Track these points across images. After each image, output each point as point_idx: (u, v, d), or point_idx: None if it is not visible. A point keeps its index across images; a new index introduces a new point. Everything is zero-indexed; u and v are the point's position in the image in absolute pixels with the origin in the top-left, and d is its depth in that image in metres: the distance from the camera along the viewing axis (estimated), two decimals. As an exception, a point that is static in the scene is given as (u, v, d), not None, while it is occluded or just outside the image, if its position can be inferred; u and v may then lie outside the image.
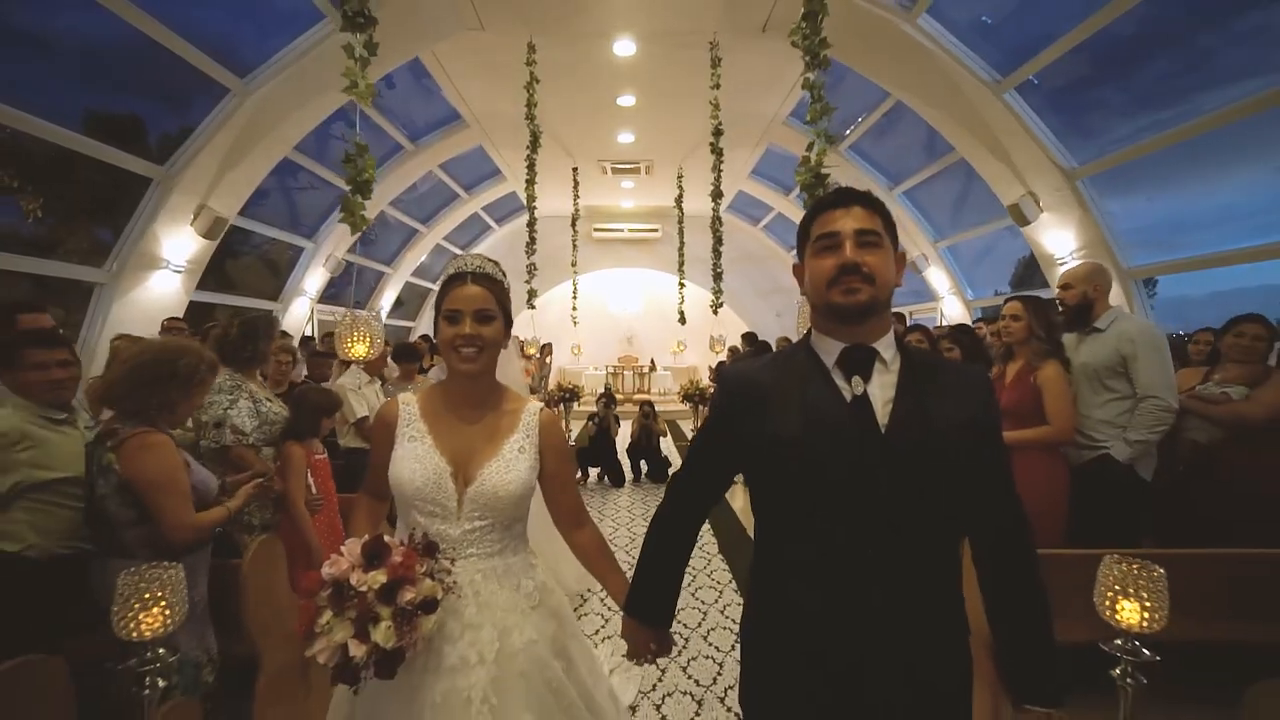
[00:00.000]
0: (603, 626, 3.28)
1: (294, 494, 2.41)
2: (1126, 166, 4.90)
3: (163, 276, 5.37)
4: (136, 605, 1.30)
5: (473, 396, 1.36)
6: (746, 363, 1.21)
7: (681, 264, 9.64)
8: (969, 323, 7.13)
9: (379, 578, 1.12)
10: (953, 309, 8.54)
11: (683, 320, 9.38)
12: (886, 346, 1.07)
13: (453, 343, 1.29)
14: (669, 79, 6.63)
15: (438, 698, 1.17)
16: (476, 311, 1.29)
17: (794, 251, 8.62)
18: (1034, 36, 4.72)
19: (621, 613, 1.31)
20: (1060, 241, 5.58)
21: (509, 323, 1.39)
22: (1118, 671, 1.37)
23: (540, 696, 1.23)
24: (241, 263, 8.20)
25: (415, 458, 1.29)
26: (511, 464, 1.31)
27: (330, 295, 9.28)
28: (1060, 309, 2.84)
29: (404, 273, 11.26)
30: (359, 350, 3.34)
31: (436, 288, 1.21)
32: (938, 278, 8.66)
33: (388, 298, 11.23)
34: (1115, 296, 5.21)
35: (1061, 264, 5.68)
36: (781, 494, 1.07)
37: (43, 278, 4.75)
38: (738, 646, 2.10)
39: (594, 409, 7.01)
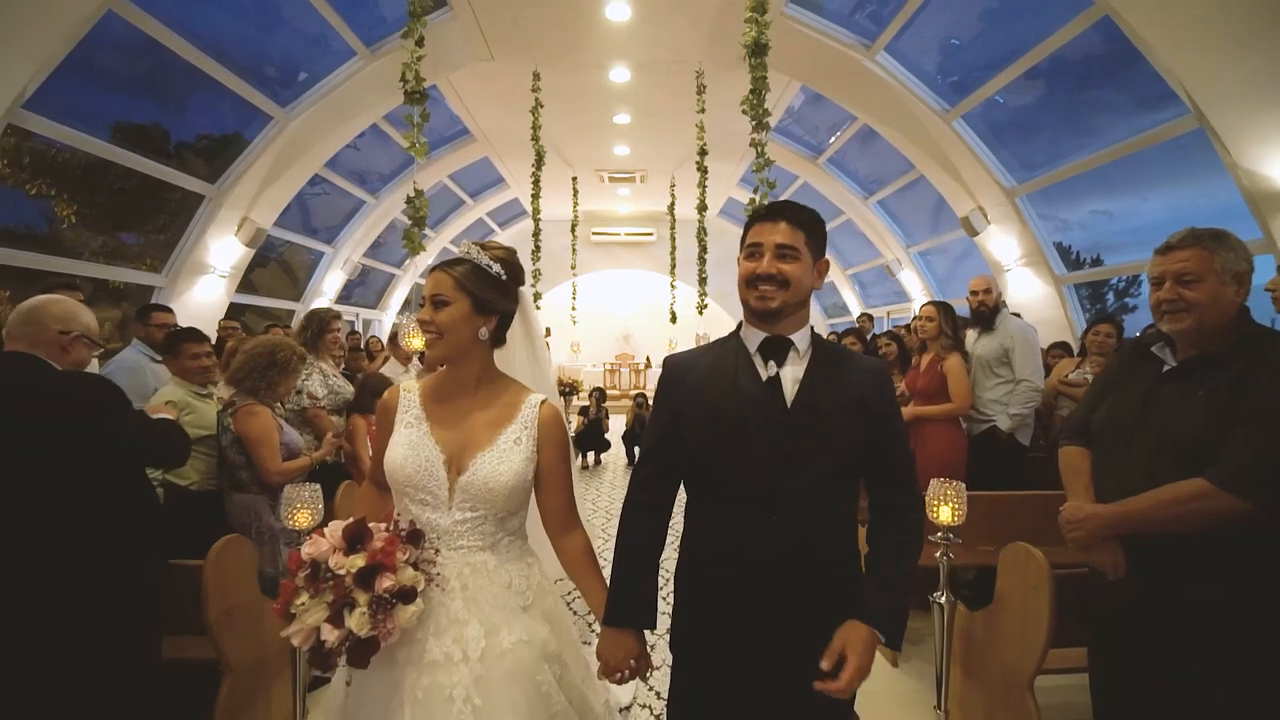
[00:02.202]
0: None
1: (359, 454, 3.12)
2: (1057, 186, 5.62)
3: (209, 280, 6.06)
4: (297, 506, 2.01)
5: (466, 384, 1.33)
6: (686, 350, 1.40)
7: (673, 266, 10.33)
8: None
9: (357, 562, 1.10)
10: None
11: (674, 319, 10.09)
12: (802, 338, 1.26)
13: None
14: (660, 100, 7.32)
15: (419, 693, 1.13)
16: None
17: None
18: (974, 75, 5.44)
19: (601, 628, 1.29)
20: (1006, 250, 6.31)
21: (488, 308, 1.30)
22: (938, 554, 2.08)
23: (528, 701, 1.17)
24: (268, 269, 8.87)
25: (409, 444, 1.27)
26: (505, 455, 1.27)
27: (344, 296, 9.96)
28: (977, 311, 3.56)
29: (412, 275, 11.93)
30: (417, 344, 4.00)
31: None
32: (910, 280, 9.37)
33: (397, 297, 11.93)
34: (1049, 299, 5.97)
35: (1008, 270, 6.41)
36: (710, 453, 1.24)
37: (102, 280, 5.43)
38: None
39: (587, 403, 7.78)
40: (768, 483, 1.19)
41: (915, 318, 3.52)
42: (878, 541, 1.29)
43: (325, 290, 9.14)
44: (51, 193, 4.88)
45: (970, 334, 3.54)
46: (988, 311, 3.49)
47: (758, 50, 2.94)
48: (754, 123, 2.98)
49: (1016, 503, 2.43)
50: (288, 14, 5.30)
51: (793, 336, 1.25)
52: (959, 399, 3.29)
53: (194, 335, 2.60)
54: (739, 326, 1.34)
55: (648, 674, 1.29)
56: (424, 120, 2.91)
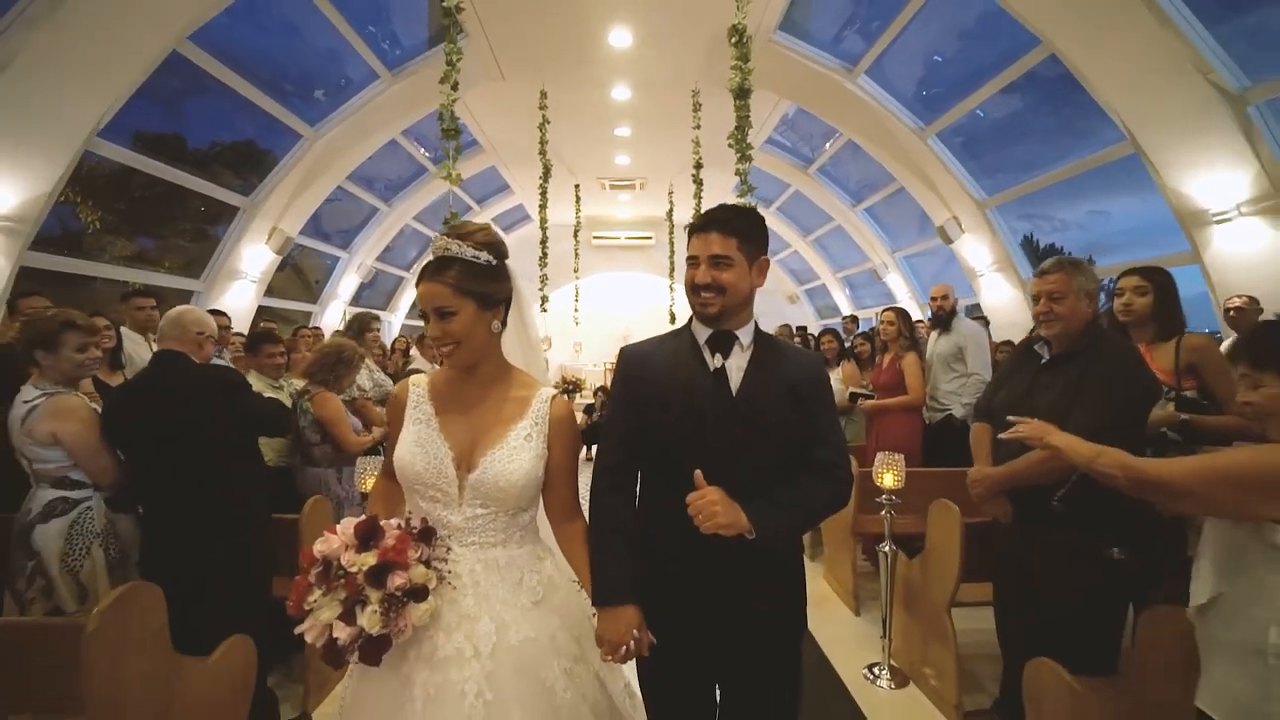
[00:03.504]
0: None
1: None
2: (1024, 198, 6.14)
3: (241, 285, 6.55)
4: (369, 472, 2.50)
5: (483, 379, 1.33)
6: (641, 342, 1.46)
7: (672, 270, 10.83)
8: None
9: (369, 559, 1.11)
10: (911, 311, 9.78)
11: (673, 320, 10.59)
12: (746, 334, 1.36)
13: (431, 338, 1.28)
14: (659, 115, 7.80)
15: (432, 690, 1.14)
16: (436, 310, 1.24)
17: (776, 257, 10.17)
18: (945, 98, 5.95)
19: (597, 611, 1.30)
20: (979, 256, 6.81)
21: (493, 302, 1.29)
22: (883, 513, 2.59)
23: (533, 695, 1.18)
24: (284, 273, 9.34)
25: (418, 441, 1.26)
26: (516, 452, 1.26)
27: (355, 299, 10.44)
28: (936, 314, 4.06)
29: (421, 276, 12.41)
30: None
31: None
32: (896, 283, 9.87)
33: (405, 299, 12.41)
34: (1017, 302, 6.47)
35: (981, 276, 6.93)
36: (662, 438, 1.32)
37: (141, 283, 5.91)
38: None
39: (591, 400, 8.26)
40: (718, 468, 1.24)
41: (879, 321, 4.02)
42: (796, 489, 1.30)
43: (340, 293, 9.63)
44: (77, 199, 5.25)
45: (931, 334, 4.04)
46: (945, 315, 3.99)
47: (742, 94, 3.44)
48: (739, 155, 3.48)
49: (949, 476, 2.92)
50: (319, 42, 5.78)
51: (737, 332, 1.35)
52: (914, 392, 3.79)
53: (271, 337, 3.10)
54: (690, 320, 1.43)
55: (648, 647, 1.27)
56: (457, 153, 3.41)
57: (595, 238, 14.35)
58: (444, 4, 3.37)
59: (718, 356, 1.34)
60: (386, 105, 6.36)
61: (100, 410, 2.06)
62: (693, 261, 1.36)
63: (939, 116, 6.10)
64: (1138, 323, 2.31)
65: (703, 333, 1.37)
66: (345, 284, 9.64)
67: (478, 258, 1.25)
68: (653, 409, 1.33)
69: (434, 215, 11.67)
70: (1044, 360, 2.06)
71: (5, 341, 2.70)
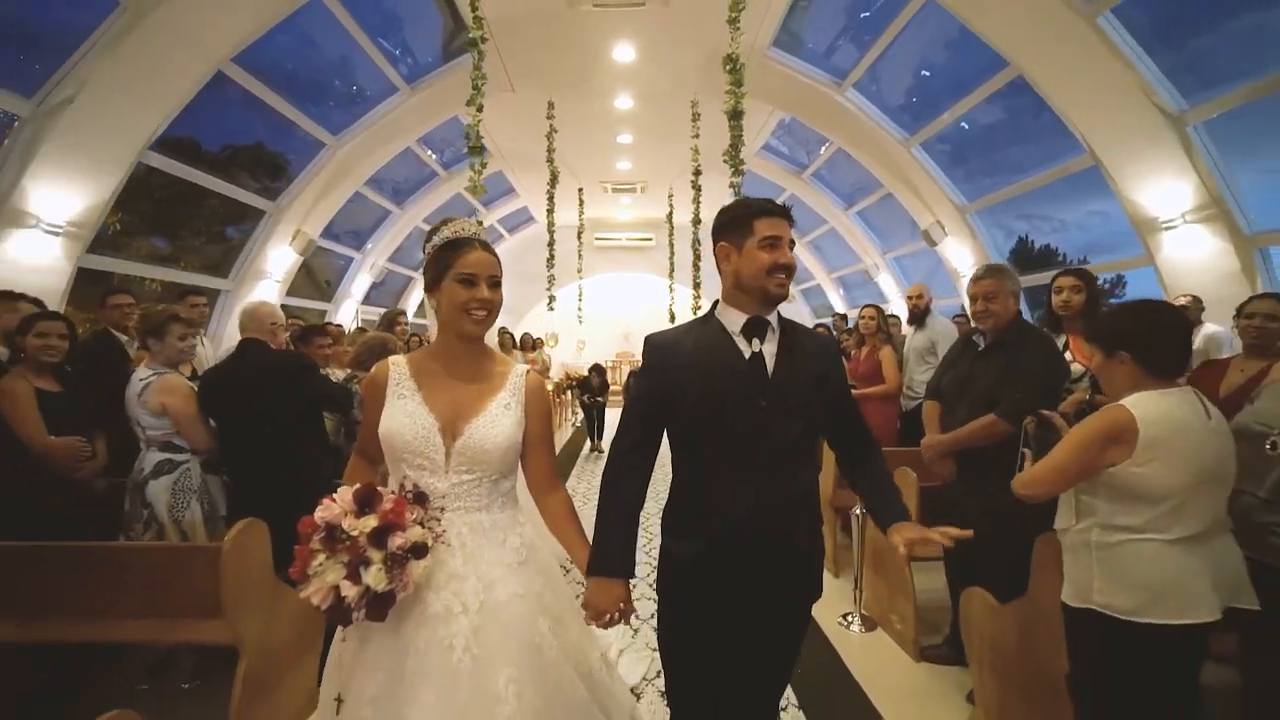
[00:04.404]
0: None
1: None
2: (1001, 204, 6.56)
3: (266, 284, 6.96)
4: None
5: (464, 357, 1.39)
6: (664, 331, 1.48)
7: (672, 270, 11.23)
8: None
9: (370, 522, 1.18)
10: (900, 309, 10.20)
11: (673, 319, 10.99)
12: (774, 320, 1.41)
13: (466, 305, 1.32)
14: (660, 123, 8.21)
15: (421, 644, 1.20)
16: (490, 277, 1.33)
17: None
18: (927, 111, 6.37)
19: (588, 579, 1.36)
20: (961, 258, 7.24)
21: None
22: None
23: (522, 650, 1.24)
24: (298, 273, 9.73)
25: (405, 413, 1.33)
26: (497, 420, 1.35)
27: (365, 298, 10.84)
28: (912, 311, 4.48)
29: (429, 277, 12.81)
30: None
31: (428, 248, 1.38)
32: (887, 283, 10.29)
33: (414, 299, 12.81)
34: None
35: (964, 276, 7.34)
36: (699, 420, 1.36)
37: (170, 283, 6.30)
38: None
39: (587, 375, 8.55)
40: (754, 444, 1.33)
41: (859, 318, 4.44)
42: (872, 470, 1.49)
43: (354, 293, 10.03)
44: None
45: (908, 330, 4.46)
46: (920, 312, 4.41)
47: (735, 115, 3.85)
48: (732, 170, 3.90)
49: (909, 453, 3.32)
50: (343, 59, 6.20)
51: (768, 318, 1.40)
52: (890, 382, 4.21)
53: (321, 330, 3.51)
54: (713, 308, 1.47)
55: (632, 619, 1.37)
56: (482, 168, 3.81)
57: (597, 238, 14.76)
58: (470, 36, 3.79)
59: (755, 341, 1.38)
60: (404, 116, 6.78)
61: (197, 388, 2.48)
62: (774, 242, 1.36)
63: (922, 127, 6.52)
64: (1072, 316, 2.72)
65: (737, 320, 1.39)
66: (358, 283, 10.04)
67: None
68: (685, 395, 1.36)
69: (439, 217, 12.08)
70: (980, 348, 2.48)
71: (100, 329, 3.12)
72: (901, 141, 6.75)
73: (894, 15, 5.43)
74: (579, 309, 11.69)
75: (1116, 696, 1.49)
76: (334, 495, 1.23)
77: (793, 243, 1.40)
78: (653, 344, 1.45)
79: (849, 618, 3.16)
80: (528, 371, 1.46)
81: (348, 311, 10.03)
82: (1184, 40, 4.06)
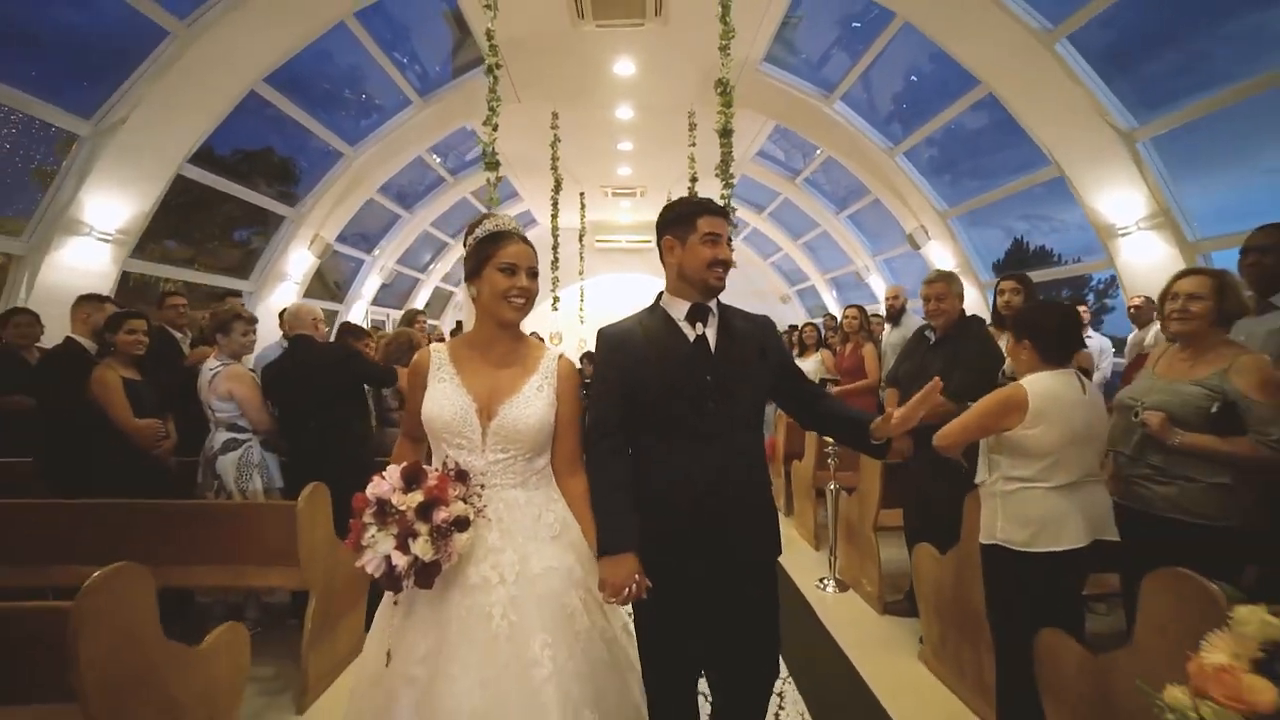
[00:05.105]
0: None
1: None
2: (980, 210, 6.96)
3: (285, 286, 7.36)
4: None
5: (500, 342, 1.48)
6: (616, 323, 1.59)
7: (670, 272, 11.61)
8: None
9: (417, 497, 1.27)
10: (888, 310, 10.59)
11: (671, 319, 11.37)
12: (714, 305, 1.56)
13: (507, 293, 1.41)
14: (659, 132, 8.59)
15: (463, 612, 1.29)
16: (529, 268, 1.45)
17: (769, 260, 11.08)
18: (910, 122, 6.77)
19: (600, 558, 1.43)
20: (943, 261, 7.62)
21: None
22: (829, 461, 3.40)
23: (555, 619, 1.32)
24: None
25: (445, 396, 1.42)
26: (530, 400, 1.43)
27: (376, 299, 11.23)
28: (889, 310, 4.88)
29: (434, 279, 13.22)
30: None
31: (470, 240, 1.48)
32: (878, 285, 10.67)
33: (420, 299, 13.20)
34: (975, 303, 7.27)
35: (947, 277, 7.74)
36: (651, 401, 1.49)
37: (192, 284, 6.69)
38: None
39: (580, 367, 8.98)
40: (702, 416, 1.46)
41: (844, 317, 4.84)
42: (827, 404, 1.62)
43: (364, 294, 10.41)
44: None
45: (885, 328, 4.86)
46: (896, 311, 4.81)
47: (725, 133, 4.24)
48: (723, 183, 4.29)
49: None
50: (361, 73, 6.60)
51: (710, 304, 1.55)
52: (872, 375, 4.62)
53: (356, 330, 3.90)
54: (658, 299, 1.61)
55: (645, 591, 1.42)
56: (498, 181, 4.20)
57: (599, 241, 15.13)
58: (486, 60, 4.18)
59: (698, 325, 1.52)
60: (417, 126, 7.17)
61: (259, 376, 2.88)
62: (715, 239, 1.50)
63: (905, 138, 6.92)
64: (1013, 315, 3.11)
65: (681, 308, 1.54)
66: (369, 285, 10.43)
67: None
68: (640, 378, 1.49)
69: (448, 221, 12.47)
70: (932, 342, 2.88)
71: (158, 326, 3.51)
72: (886, 150, 7.15)
73: (877, 34, 5.82)
74: (580, 309, 12.08)
75: (1015, 614, 1.89)
76: (383, 473, 1.32)
77: (730, 239, 1.56)
78: (606, 336, 1.58)
79: (824, 581, 3.56)
80: (560, 355, 1.54)
81: (358, 312, 10.41)
82: (1133, 65, 4.46)
